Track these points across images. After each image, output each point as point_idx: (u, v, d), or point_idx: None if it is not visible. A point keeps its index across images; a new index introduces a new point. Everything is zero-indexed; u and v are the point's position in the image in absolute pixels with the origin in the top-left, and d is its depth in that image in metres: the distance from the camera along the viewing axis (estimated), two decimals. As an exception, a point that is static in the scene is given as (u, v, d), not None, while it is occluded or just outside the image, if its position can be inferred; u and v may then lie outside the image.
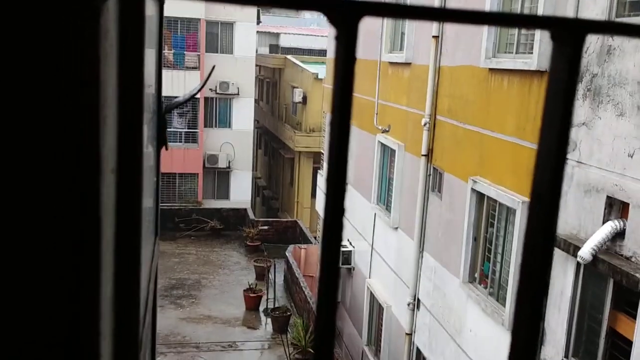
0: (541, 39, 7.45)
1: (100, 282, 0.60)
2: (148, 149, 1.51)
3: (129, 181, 0.80)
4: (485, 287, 8.93)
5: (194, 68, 25.88)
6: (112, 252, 0.75)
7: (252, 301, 18.02)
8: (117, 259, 0.80)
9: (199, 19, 25.90)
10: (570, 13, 6.93)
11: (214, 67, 3.49)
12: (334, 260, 0.44)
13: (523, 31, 8.23)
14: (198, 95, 25.77)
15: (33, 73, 0.49)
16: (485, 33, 8.75)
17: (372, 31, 13.61)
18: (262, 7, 0.40)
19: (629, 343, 6.08)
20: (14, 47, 0.48)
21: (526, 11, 8.16)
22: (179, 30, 26.08)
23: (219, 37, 26.86)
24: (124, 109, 0.77)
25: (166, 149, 1.81)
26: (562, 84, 0.46)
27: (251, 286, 18.27)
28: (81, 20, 0.49)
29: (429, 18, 0.43)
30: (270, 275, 18.74)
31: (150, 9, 1.49)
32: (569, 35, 0.45)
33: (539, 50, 7.47)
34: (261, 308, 18.05)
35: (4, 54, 0.48)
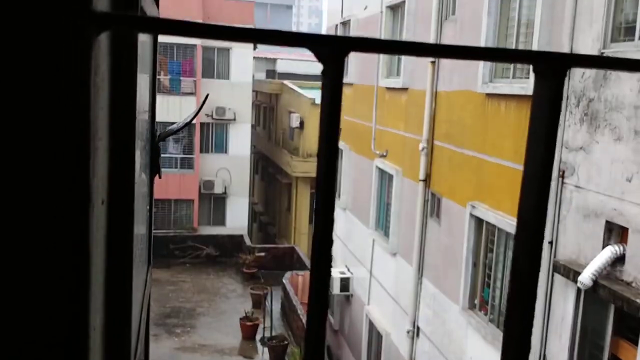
0: (537, 64, 7.48)
1: (88, 312, 0.59)
2: (141, 177, 1.47)
3: (120, 212, 0.79)
4: (486, 314, 8.82)
5: (190, 93, 25.97)
6: (102, 283, 0.74)
7: (249, 330, 17.80)
8: (107, 290, 0.78)
9: (195, 45, 26.08)
10: (565, 38, 6.96)
11: (207, 96, 3.48)
12: (324, 286, 0.44)
13: (519, 56, 8.27)
14: (194, 121, 25.83)
15: (25, 106, 0.50)
16: (481, 58, 8.79)
17: (368, 57, 13.69)
18: (251, 43, 0.41)
19: (633, 371, 5.98)
20: (7, 79, 0.49)
21: (522, 36, 8.21)
22: (175, 56, 26.23)
23: (215, 63, 27.03)
24: (116, 140, 0.77)
25: (159, 177, 1.76)
26: (544, 117, 0.47)
27: (247, 314, 18.06)
28: (72, 55, 0.50)
29: (413, 53, 0.45)
30: (267, 303, 18.55)
31: (143, 36, 1.47)
32: (550, 69, 0.46)
33: (536, 75, 7.49)
34: (258, 337, 17.82)
35: None
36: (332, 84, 0.41)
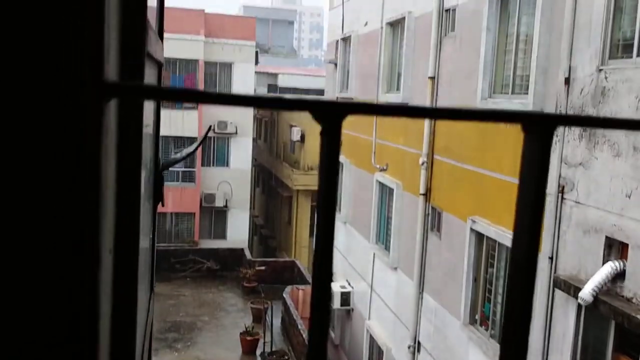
0: (536, 80, 7.52)
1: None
2: (144, 207, 1.50)
3: (125, 261, 0.82)
4: (487, 329, 8.80)
5: (192, 108, 26.06)
6: (108, 329, 0.76)
7: (249, 345, 17.72)
8: (113, 334, 0.80)
9: (198, 60, 26.22)
10: (564, 55, 7.01)
11: (210, 127, 3.53)
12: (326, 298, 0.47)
13: (518, 72, 8.33)
14: (196, 135, 25.89)
15: (42, 169, 0.53)
16: (480, 74, 8.85)
17: (369, 72, 13.77)
18: (257, 108, 0.43)
19: (634, 387, 5.96)
20: (27, 144, 0.52)
21: (521, 52, 8.26)
22: (177, 71, 26.37)
23: (217, 78, 27.16)
24: (122, 191, 0.79)
25: (162, 205, 1.79)
26: (534, 173, 0.49)
27: (248, 329, 17.99)
28: (84, 122, 0.53)
29: (405, 115, 0.48)
30: (267, 318, 18.48)
31: (148, 76, 1.50)
32: (538, 128, 0.49)
33: (535, 90, 7.54)
34: (258, 352, 17.73)
35: (17, 144, 0.52)
36: (330, 145, 0.44)
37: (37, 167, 0.53)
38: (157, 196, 1.77)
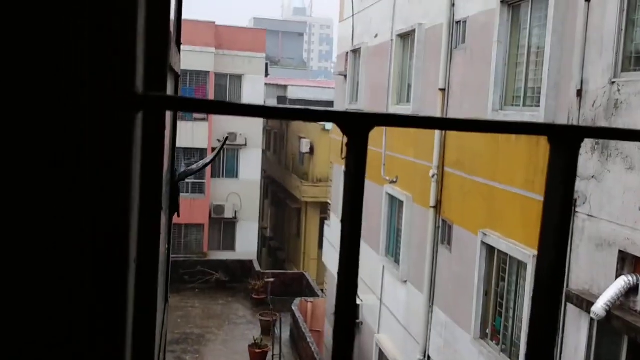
0: (548, 93, 7.49)
1: None
2: (162, 218, 1.50)
3: (147, 270, 0.82)
4: (497, 344, 8.71)
5: (203, 119, 26.19)
6: (131, 340, 0.76)
7: (258, 357, 17.64)
8: (134, 342, 0.80)
9: (208, 72, 26.37)
10: (576, 68, 6.97)
11: (227, 138, 3.53)
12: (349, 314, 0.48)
13: (530, 84, 8.29)
14: (206, 146, 25.98)
15: (74, 177, 0.54)
16: (492, 86, 8.82)
17: (379, 84, 13.78)
18: (283, 120, 0.42)
19: (649, 404, 5.86)
20: (64, 155, 0.54)
21: (532, 64, 8.23)
22: (188, 83, 26.52)
23: (227, 89, 27.29)
24: (145, 201, 0.79)
25: (178, 216, 1.78)
26: (560, 186, 0.48)
27: (256, 341, 17.93)
28: (117, 133, 0.54)
29: (431, 127, 0.47)
30: (276, 330, 18.42)
31: (170, 85, 1.51)
32: (564, 141, 0.48)
33: (546, 103, 7.50)
34: (267, 363, 17.66)
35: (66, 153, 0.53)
36: (357, 157, 0.44)
37: (72, 178, 0.54)
38: (173, 207, 1.76)
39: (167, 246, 1.77)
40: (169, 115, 1.58)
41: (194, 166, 2.65)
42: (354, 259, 0.44)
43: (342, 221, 0.44)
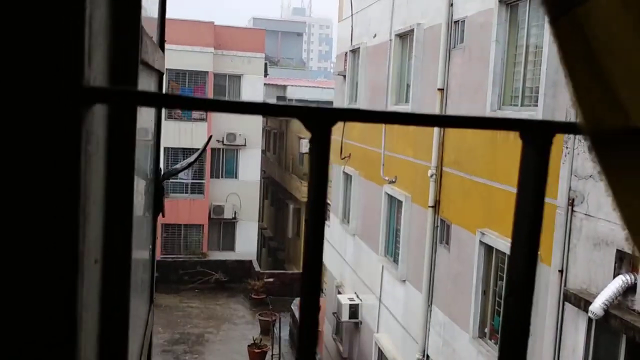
0: (546, 92, 7.50)
1: None
2: (143, 217, 1.48)
3: (116, 268, 0.80)
4: (496, 343, 8.71)
5: (202, 120, 26.19)
6: (96, 338, 0.74)
7: (257, 357, 17.65)
8: (101, 344, 0.78)
9: (207, 72, 26.37)
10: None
11: (211, 137, 3.53)
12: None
13: (528, 83, 8.30)
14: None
15: (16, 177, 0.52)
16: (490, 85, 8.83)
17: (378, 84, 13.79)
18: (243, 114, 0.41)
19: (647, 403, 5.86)
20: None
21: (530, 64, 8.24)
22: (187, 83, 26.52)
23: (226, 89, 27.28)
24: (112, 200, 0.78)
25: (163, 215, 1.78)
26: (531, 182, 0.48)
27: (256, 341, 17.94)
28: (62, 129, 0.52)
29: (395, 122, 0.47)
30: (275, 330, 18.43)
31: (147, 84, 1.50)
32: (536, 136, 0.48)
33: (544, 102, 7.51)
34: (266, 363, 17.67)
35: None
36: (320, 152, 0.43)
37: (11, 172, 0.52)
38: (157, 207, 1.76)
39: (151, 247, 1.76)
40: (150, 112, 1.57)
41: (178, 165, 2.65)
42: (317, 257, 0.43)
43: (307, 214, 0.44)
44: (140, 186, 1.28)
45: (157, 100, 0.43)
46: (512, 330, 0.49)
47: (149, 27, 1.35)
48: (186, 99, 0.44)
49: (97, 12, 0.64)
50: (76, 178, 0.53)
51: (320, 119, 0.43)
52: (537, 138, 0.47)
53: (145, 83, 1.36)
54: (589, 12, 0.45)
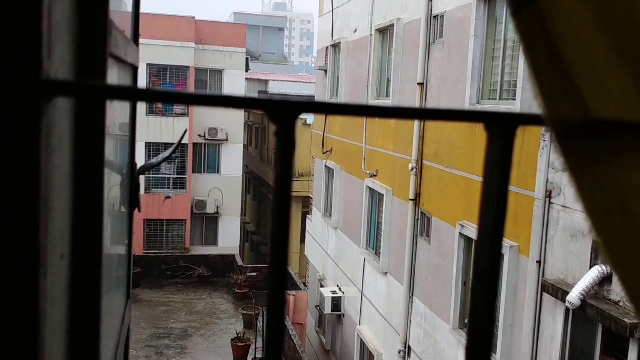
0: (524, 86, 7.60)
1: None
2: (120, 212, 1.50)
3: (86, 261, 0.80)
4: (476, 333, 8.83)
5: (183, 114, 26.04)
6: (63, 336, 0.74)
7: (240, 351, 17.68)
8: (71, 340, 0.79)
9: (188, 67, 26.22)
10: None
11: (186, 131, 3.54)
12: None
13: (506, 78, 8.40)
14: (187, 142, 25.87)
15: None
16: (469, 79, 8.92)
17: (359, 77, 13.84)
18: (209, 107, 0.43)
19: (621, 390, 6.01)
20: None
21: (508, 58, 8.34)
22: (168, 78, 26.35)
23: (208, 84, 27.14)
24: (80, 195, 0.77)
25: (139, 210, 1.80)
26: (496, 173, 0.49)
27: (239, 335, 17.95)
28: (19, 123, 0.51)
29: (360, 114, 0.48)
30: (258, 324, 18.46)
31: (123, 79, 1.52)
32: (500, 128, 0.49)
33: (522, 96, 7.61)
34: (249, 358, 17.69)
35: None
36: (284, 144, 0.44)
37: None
38: (133, 201, 1.77)
39: (127, 241, 1.77)
40: (124, 106, 1.58)
41: (154, 160, 2.67)
42: (283, 247, 0.45)
43: (272, 209, 0.45)
44: (113, 181, 1.28)
45: (119, 94, 0.44)
46: (478, 317, 0.50)
47: (121, 20, 1.35)
48: (151, 92, 0.44)
49: (57, 5, 0.63)
50: (35, 172, 0.52)
51: (285, 111, 0.43)
52: (502, 129, 0.49)
53: (118, 77, 1.37)
54: (550, 4, 0.46)
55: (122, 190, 1.51)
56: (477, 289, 0.50)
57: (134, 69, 1.75)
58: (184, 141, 25.56)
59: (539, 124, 0.52)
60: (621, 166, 0.46)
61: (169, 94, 0.44)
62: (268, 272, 0.47)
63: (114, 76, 1.26)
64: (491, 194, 0.50)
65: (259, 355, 17.27)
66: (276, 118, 0.44)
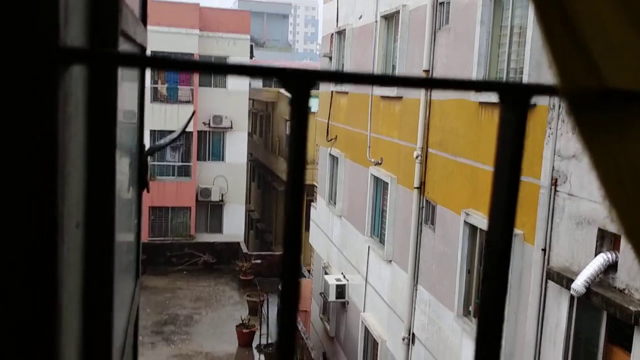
0: (530, 72, 7.55)
1: (58, 347, 0.58)
2: (129, 193, 1.50)
3: (99, 232, 0.80)
4: (480, 321, 8.85)
5: (187, 102, 26.02)
6: (79, 304, 0.75)
7: (245, 337, 17.78)
8: (85, 310, 0.79)
9: (193, 54, 26.15)
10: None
11: (194, 112, 3.53)
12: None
13: (512, 64, 8.35)
14: (192, 129, 25.86)
15: None
16: (475, 66, 8.87)
17: (364, 65, 13.77)
18: (219, 75, 0.41)
19: (625, 377, 6.01)
20: None
21: (514, 45, 8.28)
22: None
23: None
24: (93, 165, 0.78)
25: (147, 191, 1.80)
26: (509, 145, 0.48)
27: (244, 321, 18.05)
28: (38, 90, 0.51)
29: (374, 83, 0.48)
30: (263, 310, 18.54)
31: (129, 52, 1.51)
32: (514, 98, 0.48)
33: (528, 81, 7.51)
34: (254, 344, 17.80)
35: None
36: (299, 113, 0.44)
37: None
38: (142, 182, 1.78)
39: (136, 221, 1.78)
40: (133, 86, 1.58)
41: (162, 141, 2.67)
42: (296, 227, 0.45)
43: (286, 183, 0.45)
44: (123, 160, 1.29)
45: (133, 61, 0.43)
46: (490, 293, 0.50)
47: (132, 2, 1.35)
48: (165, 61, 0.43)
49: None
50: (53, 137, 0.53)
51: (300, 79, 0.43)
52: (516, 100, 0.49)
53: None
54: None
55: (131, 169, 1.51)
56: (490, 259, 0.51)
57: (142, 50, 1.75)
58: (189, 129, 25.55)
59: (552, 94, 0.52)
60: (633, 136, 0.47)
61: (180, 61, 0.43)
62: (283, 236, 0.47)
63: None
64: (505, 165, 0.49)
65: (264, 341, 17.36)
66: (291, 87, 0.43)
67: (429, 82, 0.49)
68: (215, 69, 0.44)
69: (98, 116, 0.80)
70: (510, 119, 0.49)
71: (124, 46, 1.17)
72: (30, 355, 0.55)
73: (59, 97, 0.52)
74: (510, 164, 0.49)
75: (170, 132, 25.46)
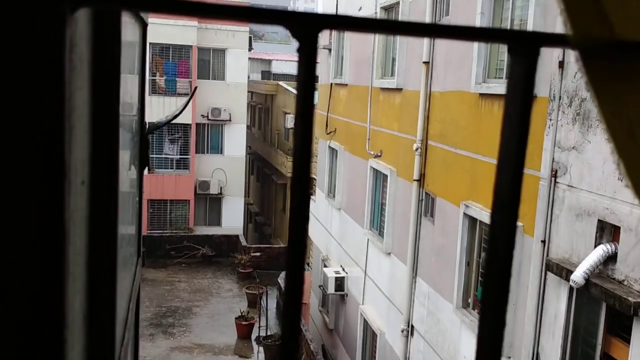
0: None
1: (65, 294, 0.58)
2: (131, 170, 1.50)
3: (102, 193, 0.80)
4: (479, 313, 8.86)
5: (186, 94, 25.95)
6: (84, 263, 0.75)
7: (244, 329, 17.81)
8: (90, 270, 0.79)
9: (191, 46, 26.07)
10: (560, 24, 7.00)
11: (195, 88, 3.52)
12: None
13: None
14: (190, 122, 25.80)
15: None
16: (475, 58, 8.85)
17: (363, 57, 13.74)
18: (224, 19, 0.40)
19: (624, 368, 6.03)
20: None
21: (517, 15, 8.24)
22: (170, 57, 26.21)
23: (210, 64, 27.02)
24: (97, 122, 0.77)
25: (149, 170, 1.80)
26: (519, 96, 0.47)
27: (243, 314, 18.08)
28: (44, 32, 0.51)
29: (385, 31, 0.46)
30: (262, 303, 18.57)
31: (132, 34, 1.50)
32: (524, 48, 0.47)
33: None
34: (253, 336, 17.84)
35: None
36: (306, 60, 0.42)
37: None
38: (144, 160, 1.77)
39: (138, 198, 1.77)
40: (133, 67, 1.57)
41: (163, 118, 2.66)
42: (306, 174, 0.43)
43: (294, 136, 0.42)
44: (125, 137, 1.28)
45: (139, 3, 0.42)
46: (494, 278, 0.48)
47: None
48: (169, 2, 0.41)
49: None
50: (60, 81, 0.52)
51: (308, 24, 0.41)
52: (525, 49, 0.48)
53: (132, 32, 1.35)
54: None
55: (132, 146, 1.50)
56: (497, 217, 0.50)
57: (144, 26, 1.74)
58: (187, 121, 25.51)
59: (563, 44, 0.51)
60: None
61: (186, 3, 0.41)
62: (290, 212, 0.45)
63: (127, 28, 1.24)
64: (513, 116, 0.48)
65: (263, 333, 17.39)
66: (298, 32, 0.42)
67: (435, 29, 0.47)
68: (218, 12, 0.42)
69: (103, 67, 0.79)
70: (520, 68, 0.47)
71: (125, 20, 1.16)
72: (38, 309, 0.55)
73: (65, 40, 0.51)
74: (520, 112, 0.48)
75: (170, 125, 25.43)
